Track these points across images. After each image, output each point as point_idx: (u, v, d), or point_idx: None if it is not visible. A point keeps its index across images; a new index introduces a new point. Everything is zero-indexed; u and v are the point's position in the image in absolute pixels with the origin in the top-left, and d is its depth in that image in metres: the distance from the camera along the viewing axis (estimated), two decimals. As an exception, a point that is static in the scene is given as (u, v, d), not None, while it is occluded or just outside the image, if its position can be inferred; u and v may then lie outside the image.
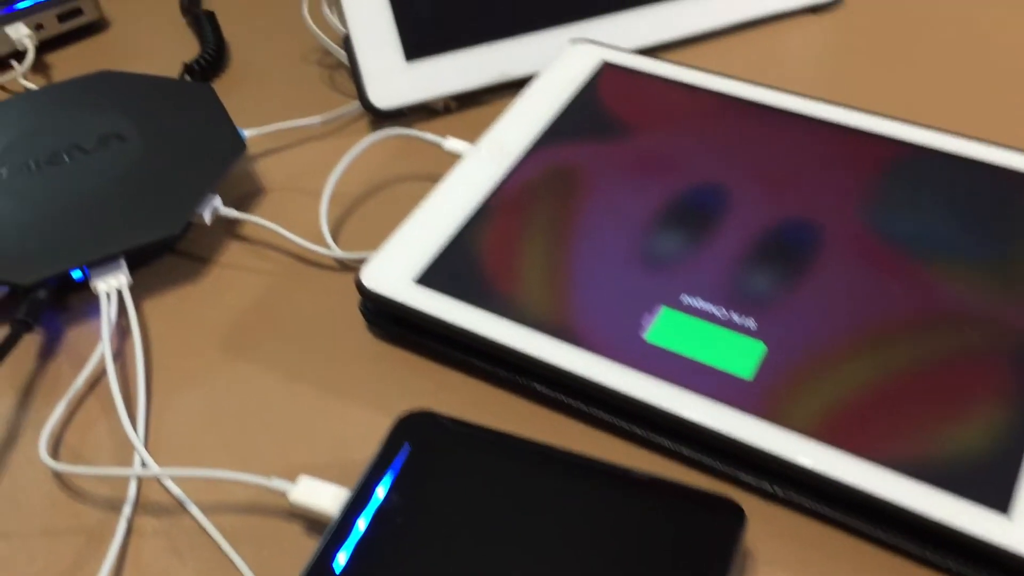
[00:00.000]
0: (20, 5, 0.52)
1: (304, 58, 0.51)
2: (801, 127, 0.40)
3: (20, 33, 0.51)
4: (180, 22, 0.55)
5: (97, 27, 0.55)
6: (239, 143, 0.42)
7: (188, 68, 0.50)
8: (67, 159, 0.41)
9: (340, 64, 0.50)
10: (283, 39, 0.53)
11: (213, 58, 0.51)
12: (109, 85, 0.45)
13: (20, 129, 0.43)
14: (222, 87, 0.50)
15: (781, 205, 0.37)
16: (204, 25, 0.52)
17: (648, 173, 0.39)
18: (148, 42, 0.54)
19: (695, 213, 0.37)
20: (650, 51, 0.48)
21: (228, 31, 0.53)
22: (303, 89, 0.49)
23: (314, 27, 0.48)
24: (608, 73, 0.43)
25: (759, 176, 0.38)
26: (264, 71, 0.51)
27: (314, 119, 0.46)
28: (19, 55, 0.52)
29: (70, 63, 0.53)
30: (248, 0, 0.56)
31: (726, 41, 0.49)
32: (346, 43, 0.45)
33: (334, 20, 0.48)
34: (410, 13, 0.45)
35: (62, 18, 0.53)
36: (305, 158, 0.45)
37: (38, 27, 0.52)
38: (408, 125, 0.46)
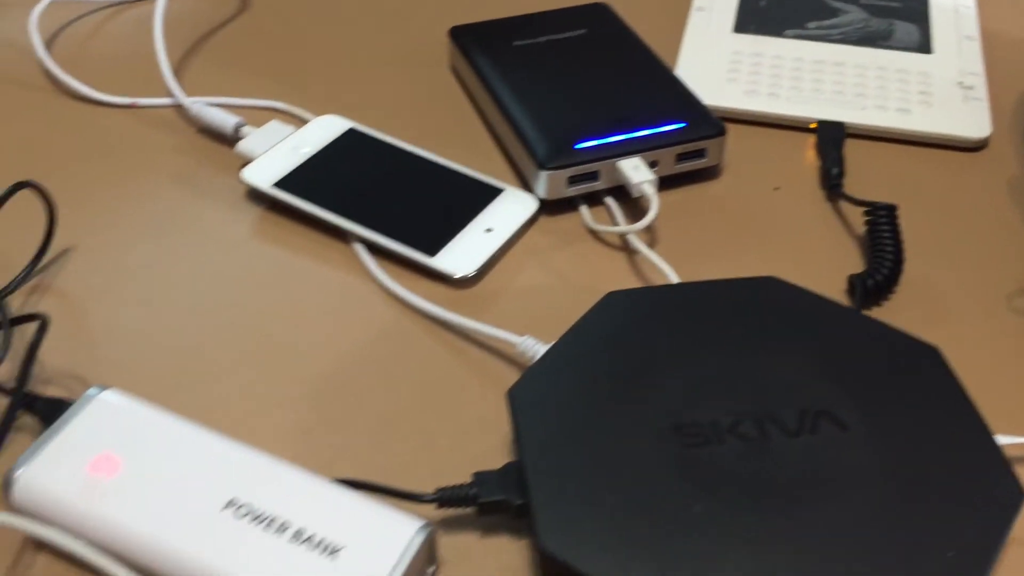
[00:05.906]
0: (637, 132, 0.41)
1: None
2: None
3: (641, 177, 0.39)
4: (811, 183, 0.42)
5: (710, 173, 0.43)
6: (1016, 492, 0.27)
7: (852, 284, 0.37)
8: (763, 434, 0.29)
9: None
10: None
11: (888, 277, 0.37)
12: (780, 306, 0.32)
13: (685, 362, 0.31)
14: (892, 315, 0.36)
15: None
16: (879, 221, 0.38)
17: None
18: (776, 210, 0.41)
19: None
20: None
21: (912, 235, 0.40)
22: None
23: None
24: None
25: None
26: (948, 297, 0.37)
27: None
28: (587, 195, 0.40)
29: (676, 215, 0.40)
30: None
31: None
32: None
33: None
34: None
35: (680, 158, 0.41)
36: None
37: (652, 164, 0.40)
38: None
